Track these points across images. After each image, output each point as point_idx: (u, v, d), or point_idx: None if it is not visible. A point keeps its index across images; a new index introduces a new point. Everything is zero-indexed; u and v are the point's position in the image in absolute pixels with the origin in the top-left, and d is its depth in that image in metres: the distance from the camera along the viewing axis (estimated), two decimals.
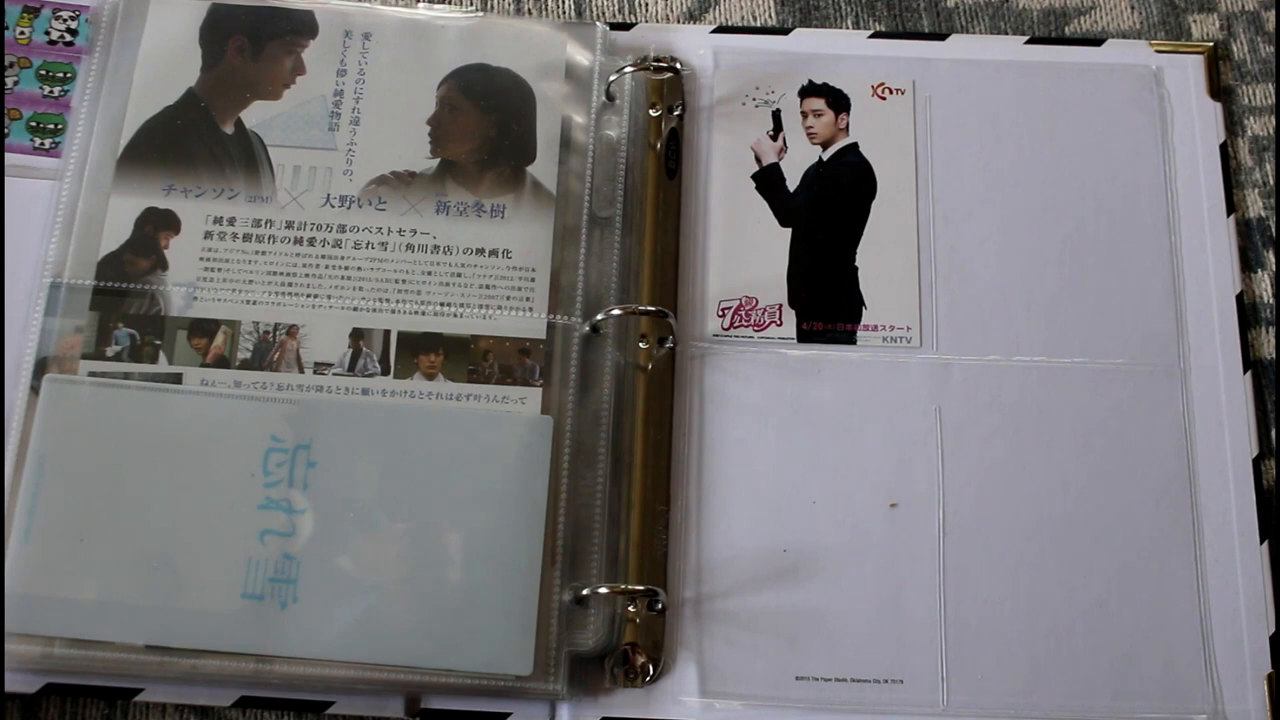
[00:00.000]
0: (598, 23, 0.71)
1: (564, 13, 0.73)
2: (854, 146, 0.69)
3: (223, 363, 0.62)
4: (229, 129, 0.67)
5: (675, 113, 0.69)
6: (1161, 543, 0.62)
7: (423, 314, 0.64)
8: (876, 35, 0.72)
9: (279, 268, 0.64)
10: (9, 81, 0.68)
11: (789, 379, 0.65)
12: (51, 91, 0.68)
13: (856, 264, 0.67)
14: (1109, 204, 0.68)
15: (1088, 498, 0.63)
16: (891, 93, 0.70)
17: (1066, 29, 0.73)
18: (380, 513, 0.60)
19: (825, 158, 0.69)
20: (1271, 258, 0.69)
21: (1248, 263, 0.68)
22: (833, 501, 0.63)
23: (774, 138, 0.70)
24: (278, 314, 0.64)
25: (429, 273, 0.65)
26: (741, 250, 0.67)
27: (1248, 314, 0.67)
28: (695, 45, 0.71)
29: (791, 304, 0.66)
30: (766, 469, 0.63)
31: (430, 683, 0.58)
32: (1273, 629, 0.61)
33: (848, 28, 0.73)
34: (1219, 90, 0.71)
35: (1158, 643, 0.61)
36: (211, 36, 0.68)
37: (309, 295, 0.64)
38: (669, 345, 0.65)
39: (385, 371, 0.63)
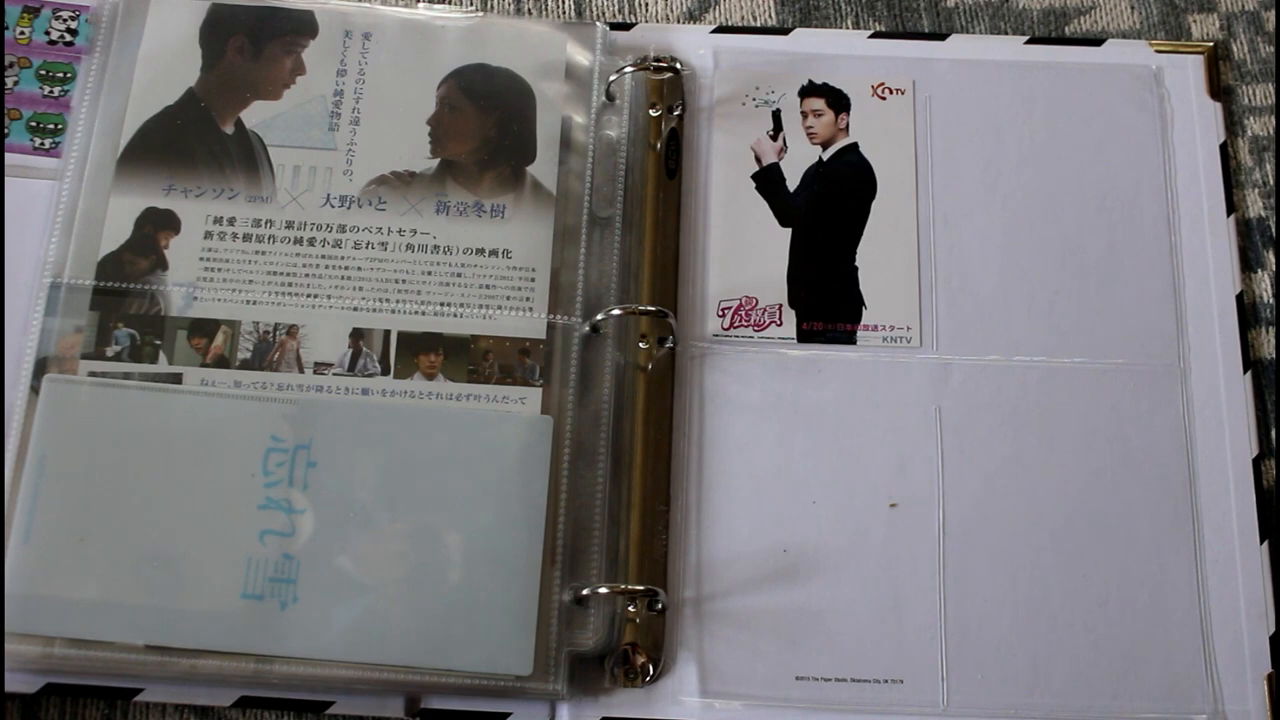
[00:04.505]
0: (598, 23, 0.71)
1: (564, 13, 0.73)
2: (854, 146, 0.69)
3: (223, 363, 0.63)
4: (229, 129, 0.67)
5: (675, 113, 0.69)
6: (1161, 543, 0.62)
7: (423, 314, 0.64)
8: (876, 35, 0.72)
9: (279, 268, 0.64)
10: (9, 81, 0.68)
11: (789, 379, 0.65)
12: (51, 91, 0.68)
13: (856, 264, 0.67)
14: (1109, 204, 0.68)
15: (1088, 498, 0.63)
16: (891, 93, 0.70)
17: (1066, 29, 0.73)
18: (380, 513, 0.60)
19: (825, 158, 0.69)
20: (1271, 258, 0.69)
21: (1248, 263, 0.68)
22: (833, 501, 0.63)
23: (774, 138, 0.70)
24: (278, 314, 0.64)
25: (429, 273, 0.65)
26: (741, 250, 0.67)
27: (1248, 314, 0.67)
28: (695, 45, 0.71)
29: (791, 304, 0.66)
30: (766, 469, 0.63)
31: (430, 683, 0.58)
32: (1273, 629, 0.61)
33: (848, 28, 0.73)
34: (1219, 90, 0.71)
35: (1158, 643, 0.61)
36: (211, 36, 0.68)
37: (309, 295, 0.64)
38: (669, 345, 0.65)
39: (385, 371, 0.63)
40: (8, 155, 0.66)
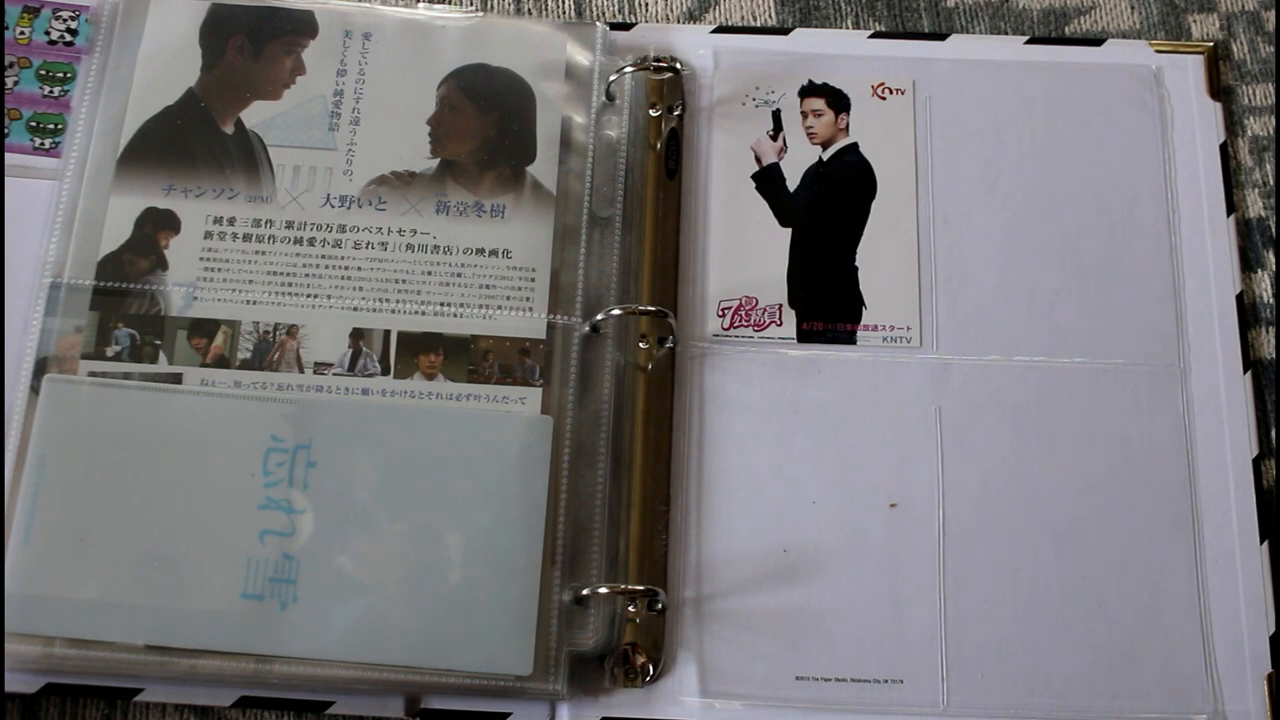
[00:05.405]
0: (598, 23, 0.71)
1: (564, 13, 0.73)
2: (854, 146, 0.69)
3: (223, 363, 0.63)
4: (229, 129, 0.67)
5: (675, 113, 0.69)
6: (1161, 542, 0.62)
7: (423, 314, 0.64)
8: (876, 35, 0.72)
9: (279, 268, 0.64)
10: (9, 81, 0.68)
11: (789, 379, 0.65)
12: (51, 91, 0.68)
13: (856, 264, 0.67)
14: (1109, 204, 0.68)
15: (1088, 498, 0.63)
16: (891, 93, 0.70)
17: (1066, 29, 0.73)
18: (380, 513, 0.60)
19: (825, 158, 0.69)
20: (1271, 258, 0.69)
21: (1248, 263, 0.68)
22: (833, 501, 0.63)
23: (774, 138, 0.70)
24: (278, 314, 0.64)
25: (429, 273, 0.65)
26: (741, 250, 0.67)
27: (1248, 314, 0.67)
28: (695, 45, 0.71)
29: (791, 304, 0.66)
30: (766, 469, 0.63)
31: (430, 683, 0.58)
32: (1273, 629, 0.61)
33: (848, 28, 0.73)
34: (1219, 90, 0.71)
35: (1158, 643, 0.61)
36: (211, 36, 0.68)
37: (309, 295, 0.64)
38: (669, 345, 0.65)
39: (385, 371, 0.63)
40: (8, 155, 0.66)
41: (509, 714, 0.59)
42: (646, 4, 0.74)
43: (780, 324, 0.66)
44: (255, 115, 0.67)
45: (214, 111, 0.67)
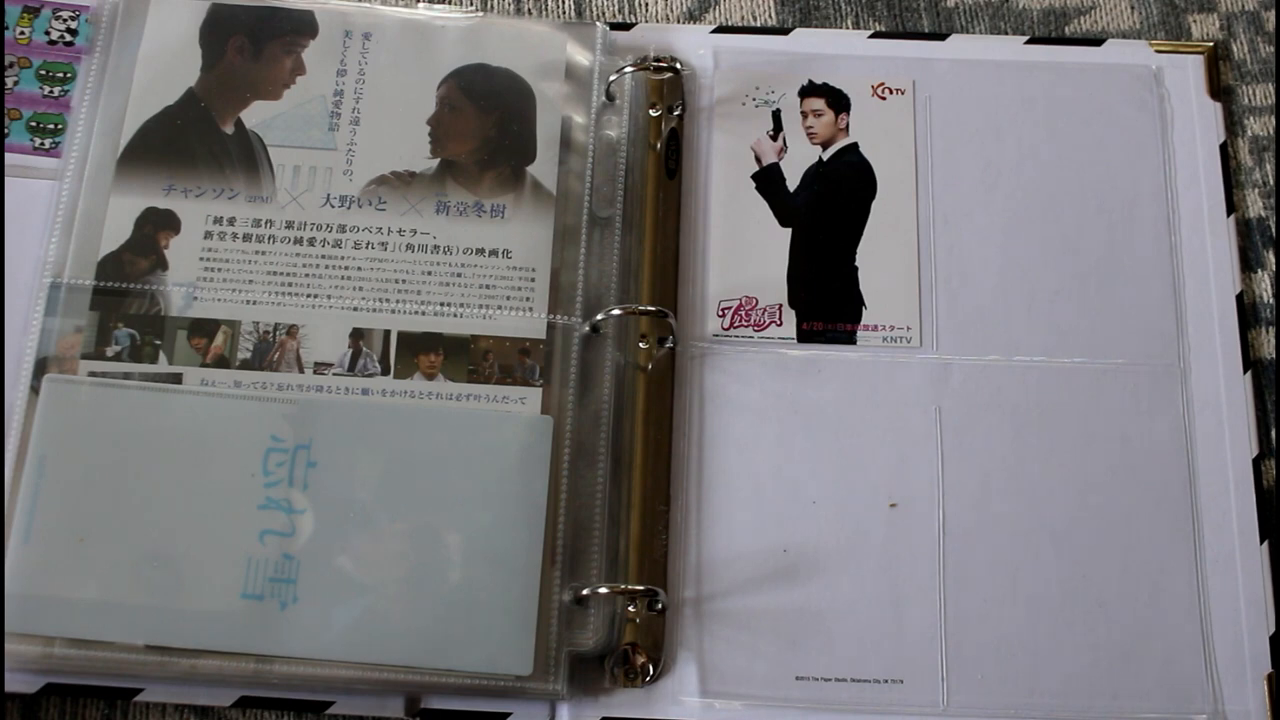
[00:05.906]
0: (598, 23, 0.71)
1: (564, 13, 0.73)
2: (854, 146, 0.69)
3: (223, 363, 0.63)
4: (229, 129, 0.67)
5: (675, 113, 0.69)
6: (1161, 543, 0.62)
7: (423, 314, 0.64)
8: (876, 35, 0.72)
9: (279, 268, 0.64)
10: (9, 81, 0.68)
11: (789, 379, 0.65)
12: (51, 91, 0.68)
13: (856, 264, 0.67)
14: (1109, 204, 0.68)
15: (1087, 498, 0.63)
16: (891, 93, 0.70)
17: (1066, 29, 0.73)
18: (380, 513, 0.60)
19: (825, 158, 0.69)
20: (1271, 258, 0.69)
21: (1248, 263, 0.68)
22: (833, 501, 0.63)
23: (774, 138, 0.70)
24: (278, 314, 0.64)
25: (429, 273, 0.65)
26: (741, 250, 0.67)
27: (1248, 314, 0.67)
28: (695, 45, 0.71)
29: (791, 304, 0.66)
30: (766, 469, 0.63)
31: (430, 683, 0.58)
32: (1273, 629, 0.61)
33: (848, 28, 0.73)
34: (1219, 90, 0.71)
35: (1158, 643, 0.61)
36: (211, 36, 0.68)
37: (309, 295, 0.64)
38: (669, 345, 0.65)
39: (385, 371, 0.63)
40: (8, 155, 0.66)
41: (509, 714, 0.59)
42: (646, 4, 0.74)
43: (780, 324, 0.66)
44: (255, 115, 0.67)
45: (214, 111, 0.67)
